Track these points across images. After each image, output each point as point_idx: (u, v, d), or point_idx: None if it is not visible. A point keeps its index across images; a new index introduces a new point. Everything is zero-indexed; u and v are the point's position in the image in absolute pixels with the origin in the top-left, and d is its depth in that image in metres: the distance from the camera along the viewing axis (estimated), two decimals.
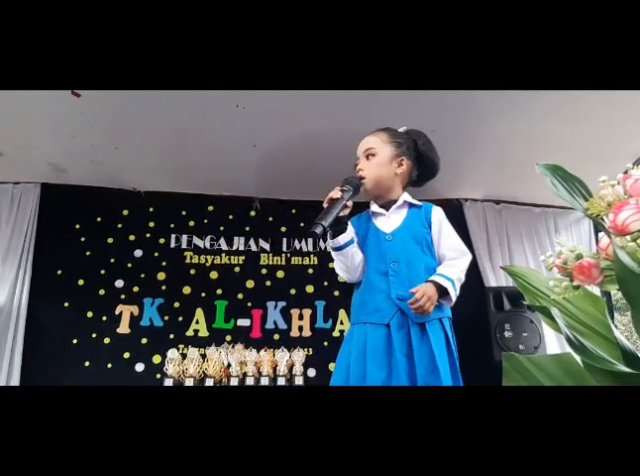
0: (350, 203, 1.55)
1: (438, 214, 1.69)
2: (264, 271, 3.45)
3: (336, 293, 3.39)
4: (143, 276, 3.31)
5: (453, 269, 1.59)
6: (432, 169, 1.74)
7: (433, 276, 1.56)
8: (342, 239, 1.59)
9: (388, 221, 1.68)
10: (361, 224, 1.73)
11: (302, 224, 3.54)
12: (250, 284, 3.40)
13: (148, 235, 3.41)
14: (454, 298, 1.56)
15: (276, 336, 3.27)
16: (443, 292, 1.53)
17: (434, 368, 1.44)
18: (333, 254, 1.64)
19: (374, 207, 1.73)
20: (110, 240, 3.35)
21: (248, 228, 3.53)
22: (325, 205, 1.52)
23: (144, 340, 3.16)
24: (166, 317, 3.24)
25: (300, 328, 3.32)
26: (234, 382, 2.67)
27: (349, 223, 1.64)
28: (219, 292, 3.35)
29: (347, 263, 1.63)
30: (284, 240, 3.54)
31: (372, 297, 1.60)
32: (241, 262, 3.46)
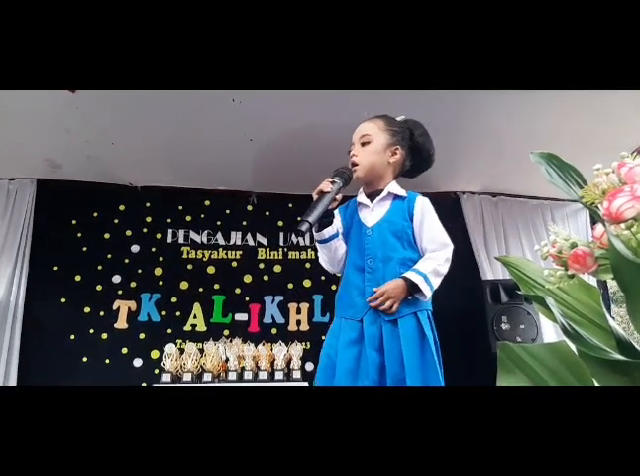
0: (339, 197, 1.53)
1: (421, 205, 1.63)
2: (261, 265, 3.45)
3: (333, 286, 3.38)
4: (140, 271, 3.31)
5: (429, 262, 1.54)
6: (427, 160, 1.71)
7: (407, 271, 1.53)
8: (326, 232, 1.58)
9: (372, 214, 1.64)
10: (347, 214, 1.71)
11: (299, 218, 3.52)
12: (247, 278, 3.40)
13: (144, 230, 3.41)
14: (427, 293, 1.50)
15: (274, 330, 3.28)
16: (417, 287, 1.50)
17: (401, 365, 1.43)
18: (317, 245, 1.64)
19: (361, 198, 1.69)
20: (107, 235, 3.35)
21: (245, 223, 3.53)
22: (315, 197, 1.50)
23: (141, 335, 3.17)
24: (164, 312, 3.24)
25: (298, 322, 3.33)
26: (232, 376, 2.67)
27: (336, 213, 1.62)
28: (216, 286, 3.35)
29: (330, 255, 1.63)
30: (281, 234, 3.54)
31: (347, 293, 1.59)
32: (238, 257, 3.46)
